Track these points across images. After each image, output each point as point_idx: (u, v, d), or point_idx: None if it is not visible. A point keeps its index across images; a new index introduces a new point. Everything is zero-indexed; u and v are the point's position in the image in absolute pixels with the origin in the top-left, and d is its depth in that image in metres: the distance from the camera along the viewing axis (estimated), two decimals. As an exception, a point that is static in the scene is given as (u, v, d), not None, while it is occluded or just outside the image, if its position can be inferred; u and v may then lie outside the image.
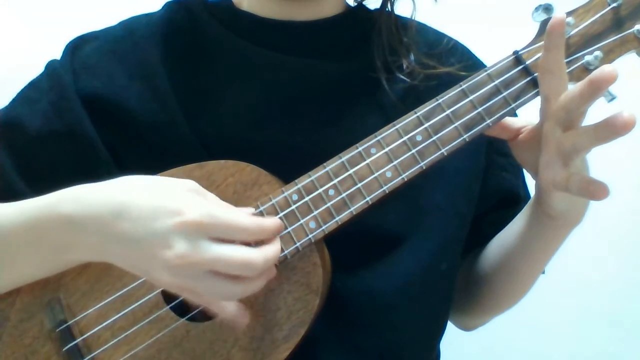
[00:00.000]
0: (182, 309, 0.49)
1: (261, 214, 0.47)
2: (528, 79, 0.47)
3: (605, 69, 0.38)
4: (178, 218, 0.42)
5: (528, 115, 0.50)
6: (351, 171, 0.47)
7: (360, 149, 0.48)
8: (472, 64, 0.61)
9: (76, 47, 0.60)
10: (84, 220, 0.44)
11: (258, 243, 0.44)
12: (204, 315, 0.48)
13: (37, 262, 0.48)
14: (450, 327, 0.64)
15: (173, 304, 0.49)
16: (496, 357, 1.02)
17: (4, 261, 0.48)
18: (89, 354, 0.48)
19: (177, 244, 0.41)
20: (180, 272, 0.42)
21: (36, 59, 0.60)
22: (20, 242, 0.47)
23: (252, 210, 0.46)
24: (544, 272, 0.59)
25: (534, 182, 0.50)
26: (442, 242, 0.56)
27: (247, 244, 0.44)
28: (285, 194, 0.47)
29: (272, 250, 0.44)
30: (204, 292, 0.43)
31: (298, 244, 0.47)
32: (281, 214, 0.47)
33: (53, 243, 0.46)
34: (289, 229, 0.47)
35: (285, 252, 0.47)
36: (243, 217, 0.44)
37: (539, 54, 0.44)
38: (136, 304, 0.48)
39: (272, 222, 0.45)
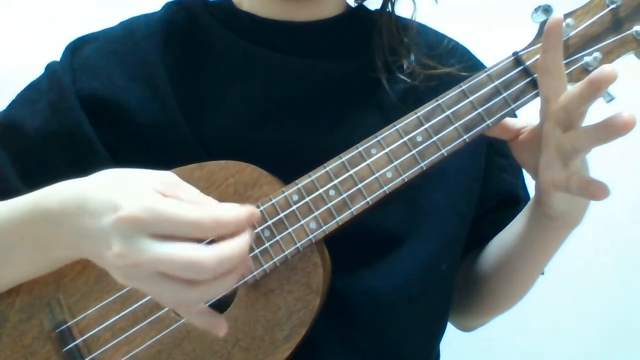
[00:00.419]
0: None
1: (262, 214, 0.47)
2: (528, 79, 0.47)
3: (605, 69, 0.38)
4: (115, 214, 0.38)
5: (528, 116, 0.50)
6: (352, 171, 0.47)
7: (360, 149, 0.48)
8: (472, 64, 0.61)
9: (76, 48, 0.60)
10: (60, 214, 0.43)
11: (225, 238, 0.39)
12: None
13: (29, 259, 0.48)
14: (450, 327, 0.64)
15: (173, 304, 0.49)
16: (496, 358, 1.02)
17: (4, 258, 0.48)
18: (89, 355, 0.48)
19: (114, 242, 0.38)
20: (125, 272, 0.38)
21: (36, 59, 0.60)
22: (13, 238, 0.47)
23: (251, 207, 0.40)
24: (543, 273, 0.59)
25: (534, 182, 0.50)
26: (442, 242, 0.56)
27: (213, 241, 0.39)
28: (286, 194, 0.47)
29: (229, 248, 0.38)
30: (156, 297, 0.40)
31: (299, 244, 0.47)
32: (282, 215, 0.47)
33: (39, 239, 0.46)
34: (290, 230, 0.47)
35: (286, 252, 0.47)
36: (196, 211, 0.38)
37: (539, 55, 0.44)
38: (136, 305, 0.48)
39: (233, 215, 0.39)
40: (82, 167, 0.46)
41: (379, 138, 0.48)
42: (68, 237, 0.43)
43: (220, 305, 0.48)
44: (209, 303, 0.46)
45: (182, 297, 0.38)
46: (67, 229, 0.42)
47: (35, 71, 0.60)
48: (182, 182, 0.42)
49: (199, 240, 0.38)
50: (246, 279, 0.47)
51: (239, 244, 0.38)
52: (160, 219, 0.37)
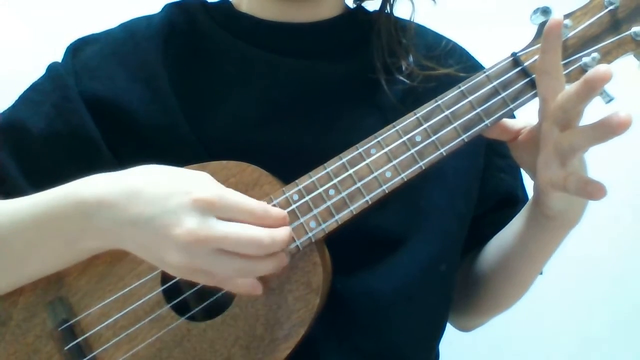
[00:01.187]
0: (183, 308, 0.49)
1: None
2: (526, 80, 0.47)
3: (600, 68, 0.38)
4: (189, 196, 0.43)
5: (527, 116, 0.51)
6: (351, 171, 0.48)
7: (360, 149, 0.48)
8: (471, 65, 0.61)
9: (77, 49, 0.60)
10: (99, 205, 0.45)
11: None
12: (205, 314, 0.49)
13: (54, 252, 0.48)
14: (449, 327, 0.65)
15: (174, 302, 0.49)
16: (496, 357, 1.02)
17: (24, 254, 0.48)
18: (91, 353, 0.49)
19: (186, 220, 0.42)
20: (190, 249, 0.42)
21: (36, 60, 0.61)
22: (40, 232, 0.47)
23: (284, 212, 0.47)
24: (541, 273, 0.60)
25: (532, 183, 0.50)
26: (442, 242, 0.56)
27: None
28: (286, 194, 0.48)
29: (280, 232, 0.45)
30: (214, 269, 0.44)
31: (298, 242, 0.47)
32: (282, 214, 0.47)
33: (69, 231, 0.47)
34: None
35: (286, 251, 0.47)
36: (250, 200, 0.45)
37: (537, 56, 0.45)
38: (137, 303, 0.49)
39: (278, 209, 0.46)
40: (86, 167, 0.47)
41: (378, 138, 0.48)
42: (107, 226, 0.45)
43: (221, 305, 0.48)
44: (203, 306, 0.48)
45: (239, 267, 0.44)
46: (108, 219, 0.45)
47: (36, 71, 0.60)
48: (216, 180, 0.47)
49: None
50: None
51: (287, 230, 0.46)
52: (226, 203, 0.44)
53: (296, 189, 0.48)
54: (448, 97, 0.48)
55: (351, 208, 0.47)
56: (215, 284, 0.45)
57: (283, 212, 0.46)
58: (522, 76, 0.47)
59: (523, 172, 0.57)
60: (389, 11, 0.61)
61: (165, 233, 0.43)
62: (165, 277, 0.49)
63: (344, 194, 0.47)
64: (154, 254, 0.45)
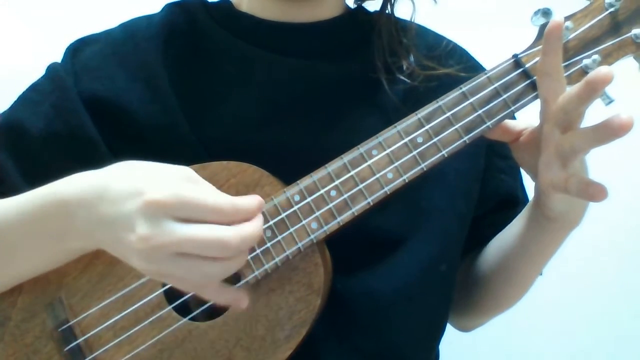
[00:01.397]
0: (184, 309, 0.49)
1: (264, 214, 0.47)
2: (527, 81, 0.47)
3: (602, 70, 0.38)
4: (141, 198, 0.40)
5: (528, 117, 0.51)
6: (353, 172, 0.48)
7: (361, 150, 0.48)
8: (471, 66, 0.61)
9: (77, 49, 0.60)
10: (77, 206, 0.43)
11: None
12: (206, 315, 0.49)
13: (42, 251, 0.48)
14: (449, 327, 0.65)
15: (175, 304, 0.49)
16: (496, 358, 1.02)
17: (10, 254, 0.48)
18: (91, 354, 0.49)
19: (138, 226, 0.39)
20: (148, 256, 0.40)
21: (36, 60, 0.61)
22: (26, 232, 0.47)
23: (259, 197, 0.44)
24: (541, 274, 0.60)
25: (533, 184, 0.50)
26: (442, 243, 0.56)
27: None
28: (287, 194, 0.48)
29: (247, 227, 0.41)
30: (179, 276, 0.41)
31: (300, 244, 0.47)
32: (283, 215, 0.47)
33: (53, 230, 0.46)
34: (291, 230, 0.47)
35: (287, 252, 0.47)
36: (215, 197, 0.41)
37: (538, 58, 0.45)
38: (138, 304, 0.48)
39: (248, 201, 0.42)
40: (85, 168, 0.47)
41: (380, 139, 0.48)
42: (85, 227, 0.44)
43: (222, 305, 0.48)
44: (204, 307, 0.48)
45: (206, 272, 0.40)
46: (84, 219, 0.43)
47: (36, 72, 0.60)
48: (197, 175, 0.43)
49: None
50: (248, 277, 0.47)
51: (257, 224, 0.42)
52: (184, 203, 0.40)
53: (297, 189, 0.48)
54: (449, 98, 0.48)
55: (353, 210, 0.47)
56: (191, 290, 0.44)
57: (254, 201, 0.43)
58: (524, 78, 0.47)
59: (524, 173, 0.57)
60: (390, 11, 0.61)
61: (121, 237, 0.41)
62: (165, 278, 0.48)
63: (345, 195, 0.47)
64: (121, 256, 0.43)
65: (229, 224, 0.41)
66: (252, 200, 0.43)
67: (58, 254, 0.48)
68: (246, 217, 0.42)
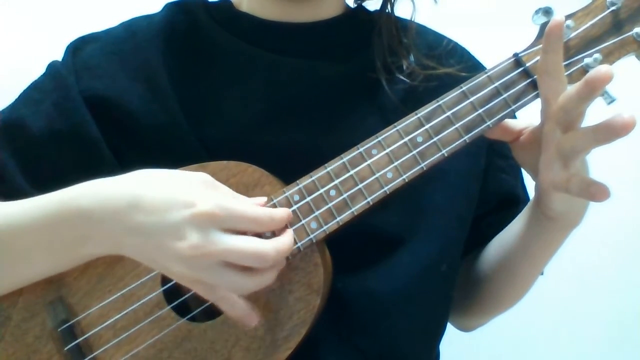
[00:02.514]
0: (184, 309, 0.49)
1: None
2: (528, 81, 0.47)
3: (601, 69, 0.38)
4: (190, 210, 0.42)
5: (529, 117, 0.50)
6: (352, 172, 0.47)
7: (361, 149, 0.48)
8: (472, 65, 0.61)
9: (77, 48, 0.60)
10: (102, 214, 0.44)
11: (271, 234, 0.45)
12: (205, 315, 0.49)
13: (53, 256, 0.48)
14: (450, 327, 0.65)
15: (174, 303, 0.49)
16: (496, 358, 1.02)
17: (22, 257, 0.48)
18: (91, 354, 0.49)
19: (189, 235, 0.42)
20: (193, 263, 0.42)
21: (37, 59, 0.61)
22: (39, 237, 0.47)
23: (264, 199, 0.47)
24: (542, 274, 0.60)
25: (534, 183, 0.50)
26: (442, 243, 0.56)
27: (260, 235, 0.44)
28: (287, 194, 0.48)
29: (283, 242, 0.44)
30: (216, 284, 0.43)
31: (299, 244, 0.47)
32: (283, 214, 0.47)
33: (71, 236, 0.46)
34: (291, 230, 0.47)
35: (287, 252, 0.47)
36: (254, 208, 0.44)
37: (539, 57, 0.45)
38: (138, 304, 0.48)
39: (282, 212, 0.46)
40: (86, 166, 0.47)
41: (379, 139, 0.48)
42: (108, 234, 0.45)
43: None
44: (203, 307, 0.48)
45: (241, 283, 0.43)
46: (112, 227, 0.44)
47: (36, 71, 0.60)
48: (217, 182, 0.46)
49: (257, 235, 0.44)
50: None
51: (290, 238, 0.45)
52: (229, 215, 0.43)
53: (297, 189, 0.48)
54: (449, 97, 0.48)
55: (352, 209, 0.47)
56: (214, 299, 0.45)
57: (287, 212, 0.46)
58: (524, 77, 0.47)
59: (524, 172, 0.57)
60: (390, 11, 0.61)
61: (167, 245, 0.42)
62: (165, 278, 0.48)
63: (345, 195, 0.47)
64: (156, 263, 0.44)
65: (264, 232, 0.45)
66: (283, 211, 0.46)
67: (71, 259, 0.48)
68: (278, 227, 0.45)
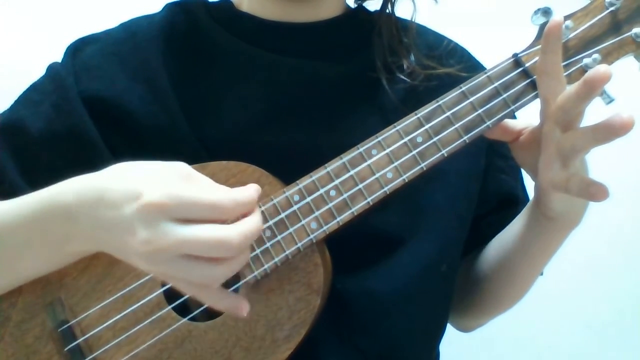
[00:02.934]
0: (184, 309, 0.49)
1: (263, 214, 0.47)
2: (527, 81, 0.47)
3: (600, 68, 0.38)
4: (138, 202, 0.39)
5: (528, 117, 0.51)
6: (352, 172, 0.48)
7: (361, 150, 0.48)
8: (472, 65, 0.61)
9: (77, 49, 0.60)
10: (77, 209, 0.44)
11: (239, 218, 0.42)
12: (206, 315, 0.49)
13: (43, 255, 0.48)
14: (449, 327, 0.65)
15: (175, 304, 0.49)
16: (496, 358, 1.02)
17: (14, 254, 0.48)
18: (91, 354, 0.49)
19: (138, 230, 0.39)
20: (150, 258, 0.40)
21: (37, 59, 0.61)
22: (28, 235, 0.47)
23: (254, 186, 0.44)
24: (542, 274, 0.60)
25: (533, 184, 0.50)
26: (442, 243, 0.56)
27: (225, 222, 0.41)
28: (287, 194, 0.48)
29: (249, 224, 0.41)
30: (183, 278, 0.41)
31: (299, 244, 0.47)
32: (283, 215, 0.47)
33: (55, 234, 0.46)
34: (291, 230, 0.47)
35: (287, 252, 0.47)
36: (214, 194, 0.41)
37: (538, 57, 0.45)
38: (138, 304, 0.48)
39: (248, 192, 0.42)
40: (85, 168, 0.47)
41: (379, 139, 0.48)
42: (86, 230, 0.44)
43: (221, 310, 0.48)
44: (203, 307, 0.47)
45: (209, 274, 0.40)
46: (85, 222, 0.43)
47: (36, 71, 0.60)
48: (194, 171, 0.43)
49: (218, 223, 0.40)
50: (248, 278, 0.47)
51: (256, 218, 0.42)
52: (182, 203, 0.39)
53: (297, 189, 0.48)
54: (449, 97, 0.48)
55: (352, 209, 0.47)
56: (194, 295, 0.44)
57: (253, 190, 0.42)
58: (524, 77, 0.47)
59: (524, 172, 0.57)
60: (390, 11, 0.61)
61: (124, 241, 0.40)
62: (165, 278, 0.48)
63: (345, 195, 0.47)
64: (125, 259, 0.43)
65: (229, 218, 0.41)
66: (250, 191, 0.42)
67: (60, 257, 0.48)
68: (246, 210, 0.42)
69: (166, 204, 0.39)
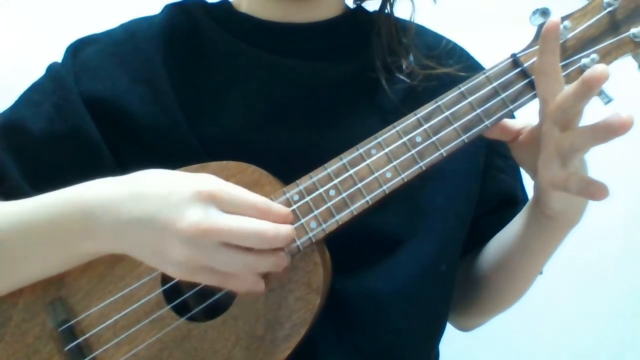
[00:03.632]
0: (184, 308, 0.49)
1: None
2: (526, 81, 0.47)
3: (597, 68, 0.38)
4: (191, 189, 0.43)
5: (527, 116, 0.51)
6: (351, 172, 0.48)
7: (360, 150, 0.48)
8: (471, 65, 0.61)
9: (77, 49, 0.60)
10: (102, 207, 0.45)
11: None
12: (206, 315, 0.49)
13: (53, 255, 0.48)
14: (449, 327, 0.65)
15: (174, 303, 0.49)
16: (495, 358, 1.02)
17: (23, 256, 0.48)
18: (91, 354, 0.49)
19: (190, 212, 0.42)
20: (194, 242, 0.42)
21: (37, 59, 0.61)
22: (40, 234, 0.47)
23: (288, 209, 0.47)
24: (541, 273, 0.60)
25: (532, 183, 0.50)
26: (442, 243, 0.56)
27: None
28: (287, 194, 0.48)
29: (284, 227, 0.45)
30: (217, 263, 0.44)
31: (299, 242, 0.47)
32: (282, 214, 0.47)
33: (71, 234, 0.47)
34: (290, 229, 0.47)
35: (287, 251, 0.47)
36: (253, 194, 0.45)
37: (537, 57, 0.45)
38: (138, 304, 0.49)
39: (280, 205, 0.47)
40: (86, 167, 0.47)
41: (379, 139, 0.48)
42: (111, 228, 0.45)
43: (221, 305, 0.48)
44: (203, 306, 0.48)
45: (242, 261, 0.44)
46: (112, 221, 0.45)
47: (36, 71, 0.60)
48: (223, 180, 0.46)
49: None
50: None
51: (289, 227, 0.46)
52: (229, 196, 0.44)
53: (297, 189, 0.48)
54: (448, 97, 0.48)
55: (352, 208, 0.47)
56: (216, 283, 0.45)
57: (286, 209, 0.47)
58: (522, 77, 0.47)
59: (523, 172, 0.57)
60: (389, 11, 0.61)
61: (168, 228, 0.43)
62: (165, 278, 0.49)
63: (344, 194, 0.47)
64: (156, 253, 0.44)
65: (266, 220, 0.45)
66: (282, 206, 0.47)
67: (70, 257, 0.48)
68: (277, 219, 0.45)
69: (217, 193, 0.44)
